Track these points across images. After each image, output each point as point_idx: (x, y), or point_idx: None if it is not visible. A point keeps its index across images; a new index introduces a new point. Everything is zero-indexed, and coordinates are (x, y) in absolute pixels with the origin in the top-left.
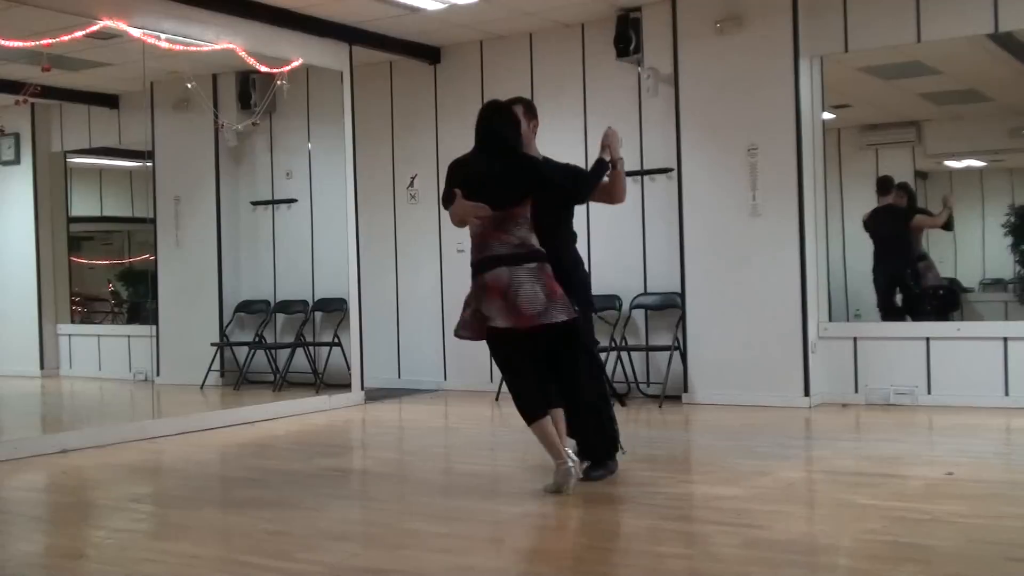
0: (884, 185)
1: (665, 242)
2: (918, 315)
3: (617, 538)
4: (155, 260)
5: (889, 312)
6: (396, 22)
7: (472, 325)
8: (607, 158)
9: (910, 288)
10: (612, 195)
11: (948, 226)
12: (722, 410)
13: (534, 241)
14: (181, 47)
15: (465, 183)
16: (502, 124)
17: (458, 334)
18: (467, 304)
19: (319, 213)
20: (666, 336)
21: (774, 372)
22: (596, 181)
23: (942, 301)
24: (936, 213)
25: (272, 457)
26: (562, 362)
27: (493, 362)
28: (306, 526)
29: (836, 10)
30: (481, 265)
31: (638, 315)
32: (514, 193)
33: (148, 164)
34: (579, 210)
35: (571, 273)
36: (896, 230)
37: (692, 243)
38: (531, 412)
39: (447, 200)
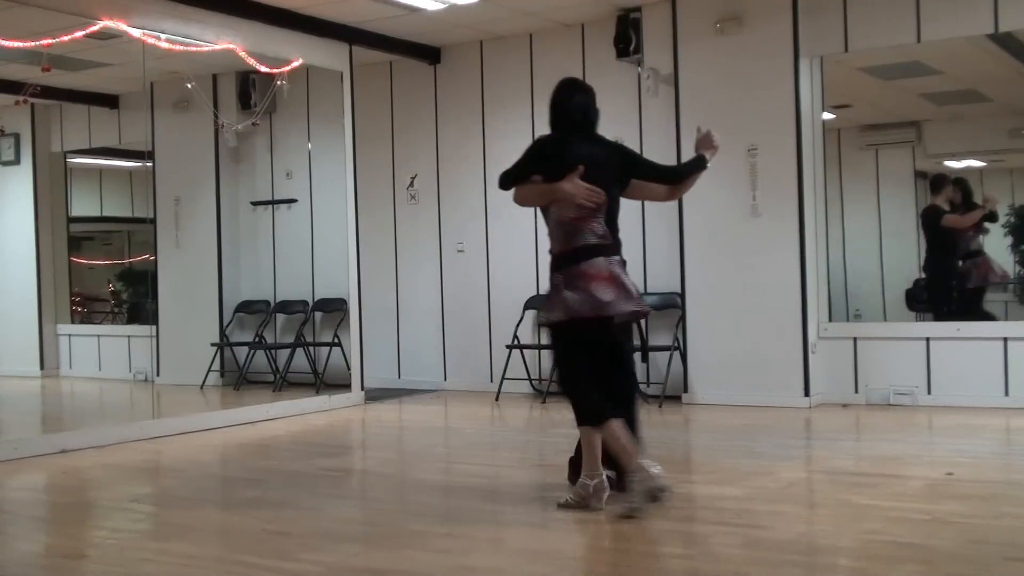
0: (932, 184)
1: (665, 242)
2: (952, 315)
3: (617, 538)
4: (155, 260)
5: (936, 309)
6: (396, 22)
7: (582, 306)
8: (709, 158)
9: (947, 288)
10: (677, 192)
11: (992, 218)
12: (722, 410)
13: (610, 233)
14: (181, 47)
15: (564, 164)
16: (586, 102)
17: (552, 319)
18: (555, 290)
19: (319, 213)
20: (666, 336)
21: (774, 372)
22: (691, 174)
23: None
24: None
25: (272, 457)
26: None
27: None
28: (306, 526)
29: (836, 10)
30: (575, 256)
31: None
32: (610, 181)
33: (148, 164)
34: None
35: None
36: (932, 230)
37: (692, 243)
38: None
39: (519, 177)
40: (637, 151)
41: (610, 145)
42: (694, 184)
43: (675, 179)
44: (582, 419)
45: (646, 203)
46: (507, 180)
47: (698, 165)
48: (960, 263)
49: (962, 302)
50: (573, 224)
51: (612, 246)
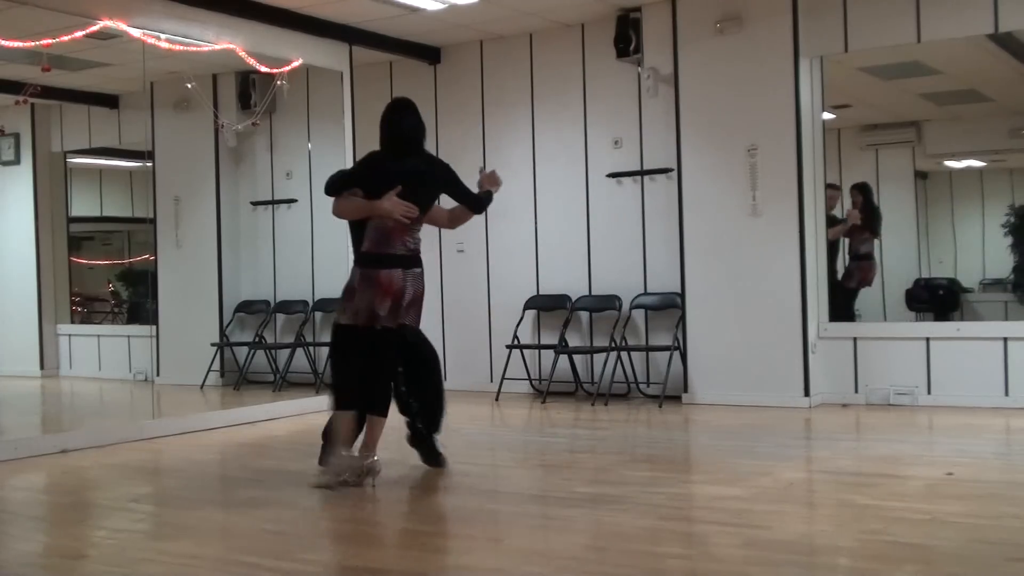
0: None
1: (665, 242)
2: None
3: (617, 538)
4: (155, 260)
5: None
6: (396, 22)
7: (361, 315)
8: (495, 192)
9: (835, 288)
10: (456, 223)
11: (873, 232)
12: (722, 410)
13: (420, 246)
14: (181, 47)
15: (386, 181)
16: (416, 122)
17: (341, 320)
18: (352, 292)
19: (319, 213)
20: (666, 336)
21: (774, 372)
22: (486, 205)
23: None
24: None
25: (272, 457)
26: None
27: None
28: (306, 526)
29: (836, 10)
30: (378, 260)
31: (638, 315)
32: (431, 195)
33: (148, 164)
34: (580, 209)
35: None
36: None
37: (692, 243)
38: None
39: (342, 187)
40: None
41: (434, 162)
42: (467, 220)
43: (476, 208)
44: (338, 404)
45: (646, 203)
46: (332, 188)
47: (488, 199)
48: (847, 264)
49: (841, 300)
50: (389, 232)
51: (415, 258)
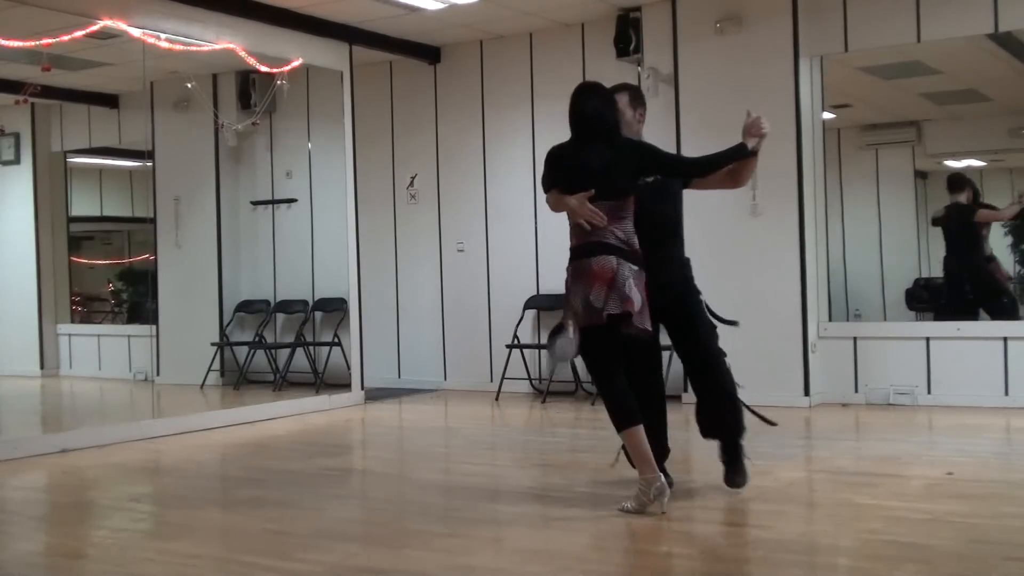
0: (952, 183)
1: None
2: (994, 313)
3: (617, 538)
4: (155, 260)
5: (957, 308)
6: (396, 22)
7: (581, 314)
8: (751, 146)
9: (983, 284)
10: (737, 179)
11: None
12: None
13: (635, 241)
14: (181, 47)
15: (569, 176)
16: (597, 106)
17: (564, 347)
18: (571, 299)
19: (319, 213)
20: (666, 336)
21: (774, 372)
22: (726, 163)
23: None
24: (1001, 208)
25: (272, 457)
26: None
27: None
28: (306, 526)
29: (836, 10)
30: (587, 250)
31: None
32: (627, 183)
33: (148, 164)
34: None
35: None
36: (963, 227)
37: (692, 243)
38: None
39: (545, 184)
40: (662, 149)
41: (624, 146)
42: (753, 170)
43: (706, 171)
44: (621, 423)
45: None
46: (543, 185)
47: (735, 153)
48: (988, 262)
49: (998, 300)
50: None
51: (630, 252)
